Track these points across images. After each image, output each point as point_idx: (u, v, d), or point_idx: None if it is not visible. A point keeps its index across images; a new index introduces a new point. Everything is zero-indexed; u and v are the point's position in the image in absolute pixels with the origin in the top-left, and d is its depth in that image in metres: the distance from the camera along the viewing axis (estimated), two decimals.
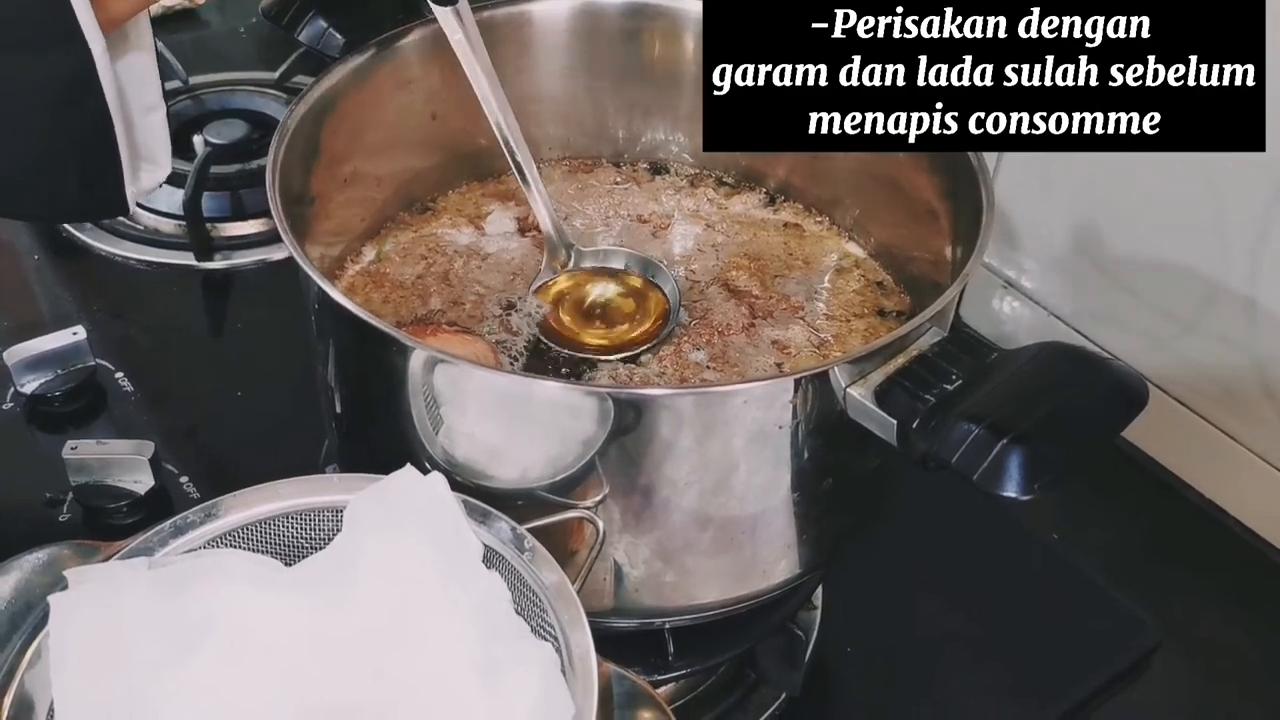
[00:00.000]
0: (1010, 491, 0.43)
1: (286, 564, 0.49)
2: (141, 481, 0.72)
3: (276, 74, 1.04)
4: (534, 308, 0.64)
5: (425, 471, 0.49)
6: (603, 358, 0.62)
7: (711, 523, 0.52)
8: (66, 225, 0.92)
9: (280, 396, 0.81)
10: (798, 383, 0.48)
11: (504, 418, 0.50)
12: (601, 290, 0.66)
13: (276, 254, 0.91)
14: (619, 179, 0.73)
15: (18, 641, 0.45)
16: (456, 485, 0.49)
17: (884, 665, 0.70)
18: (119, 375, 0.81)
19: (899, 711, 0.68)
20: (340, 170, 0.65)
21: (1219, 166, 0.70)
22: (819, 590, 0.71)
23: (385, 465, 0.49)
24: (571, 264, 0.66)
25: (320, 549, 0.50)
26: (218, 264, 0.91)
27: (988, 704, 0.68)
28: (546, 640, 0.46)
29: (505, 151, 0.64)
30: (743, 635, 0.61)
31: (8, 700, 0.43)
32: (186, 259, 0.91)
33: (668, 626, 0.58)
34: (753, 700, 0.66)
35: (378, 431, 0.56)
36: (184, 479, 0.75)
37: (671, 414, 0.48)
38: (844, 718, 0.68)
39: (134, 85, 0.54)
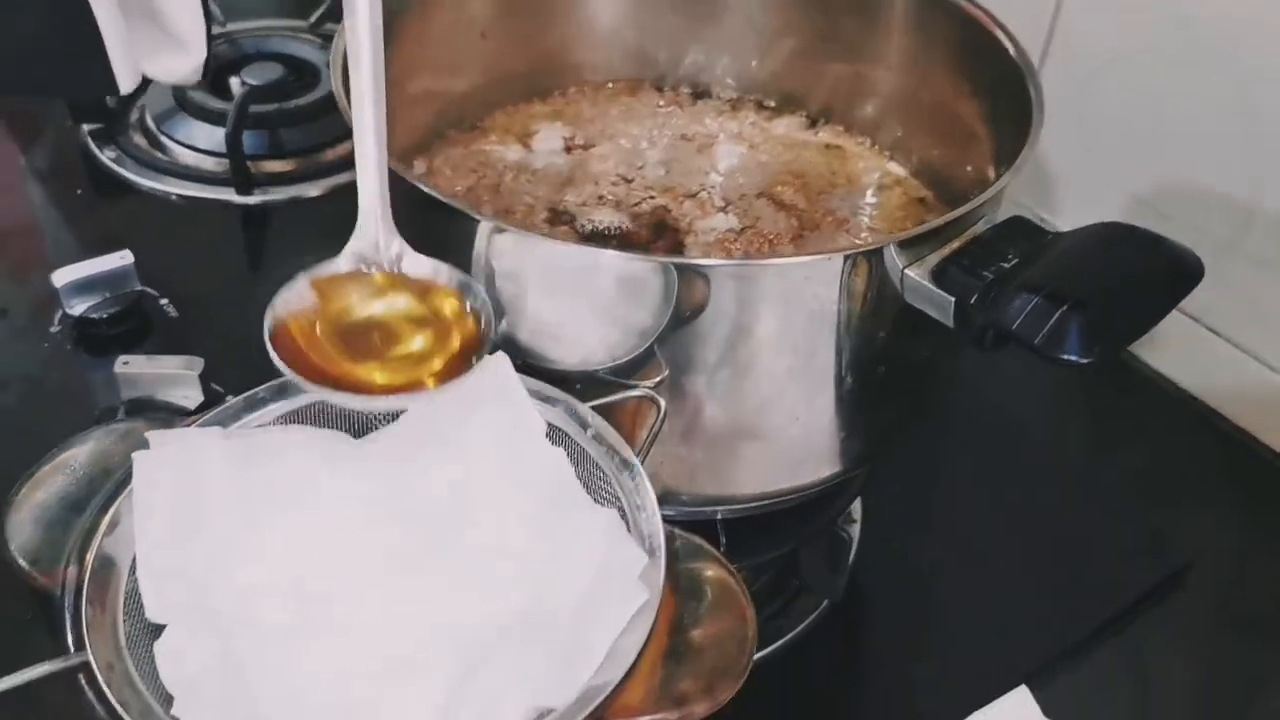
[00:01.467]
0: (1071, 355, 0.44)
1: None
2: (190, 397, 0.73)
3: (309, 21, 1.06)
4: (293, 298, 0.45)
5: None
6: (364, 396, 0.44)
7: (768, 406, 0.53)
8: (109, 162, 0.93)
9: None
10: (855, 259, 0.49)
11: (566, 291, 0.50)
12: (387, 305, 0.46)
13: (312, 190, 0.93)
14: (661, 102, 0.75)
15: (97, 503, 0.46)
16: (519, 368, 0.50)
17: (919, 579, 0.71)
18: (164, 301, 0.82)
19: (934, 623, 0.69)
20: (400, 90, 0.66)
21: (1255, 91, 0.71)
22: (858, 504, 0.72)
23: None
24: (385, 267, 0.47)
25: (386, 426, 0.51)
26: (256, 198, 0.92)
27: (1021, 619, 0.69)
28: (611, 507, 0.48)
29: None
30: (791, 533, 0.62)
31: (90, 556, 0.44)
32: (226, 194, 0.92)
33: (719, 517, 0.59)
34: (795, 607, 0.67)
35: None
36: (231, 398, 0.76)
37: (734, 285, 0.49)
38: (880, 628, 0.69)
39: None
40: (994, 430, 0.79)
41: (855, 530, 0.71)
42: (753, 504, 0.58)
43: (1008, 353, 0.84)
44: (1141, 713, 0.66)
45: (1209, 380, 0.82)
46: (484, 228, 0.49)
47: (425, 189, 0.50)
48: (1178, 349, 0.83)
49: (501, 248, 0.50)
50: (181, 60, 0.50)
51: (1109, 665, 0.68)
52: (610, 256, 0.49)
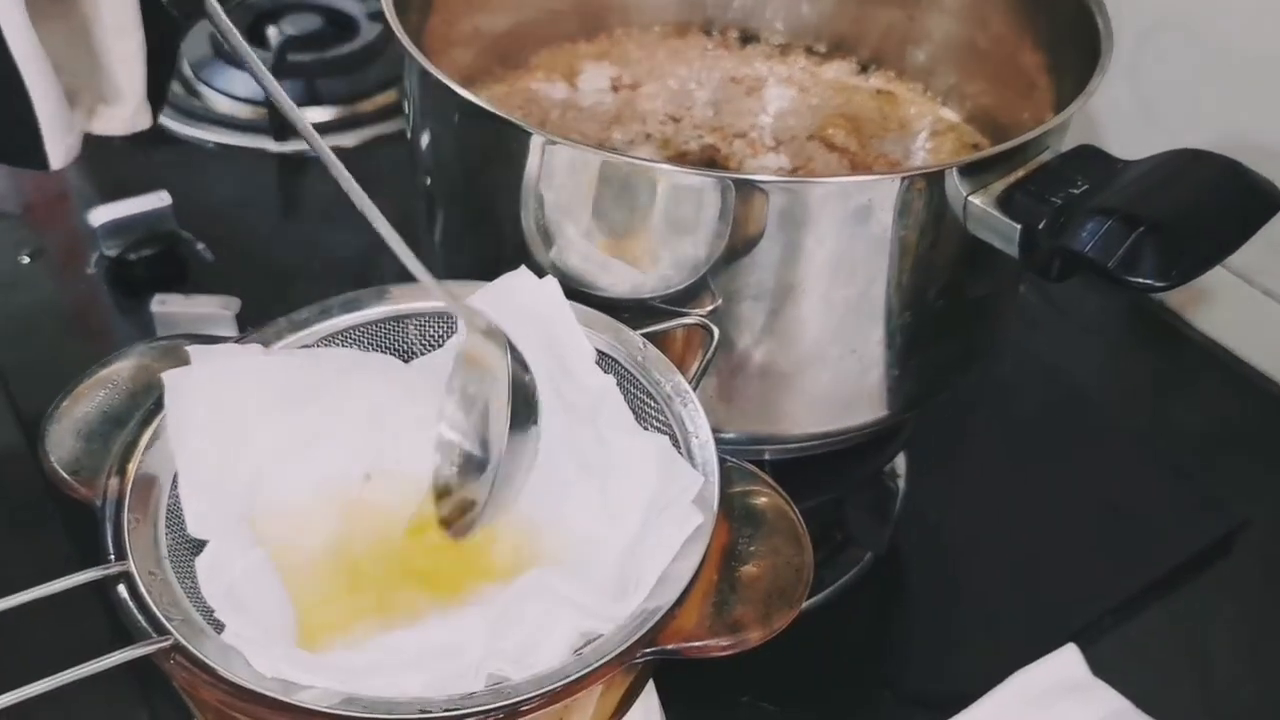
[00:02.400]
0: (1146, 278, 0.42)
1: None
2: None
3: None
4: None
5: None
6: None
7: (822, 338, 0.52)
8: None
9: (357, 270, 0.81)
10: (914, 179, 0.47)
11: (619, 211, 0.49)
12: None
13: (348, 140, 0.93)
14: (710, 45, 0.73)
15: (139, 417, 0.45)
16: (569, 295, 0.49)
17: (965, 536, 0.69)
18: (200, 246, 0.82)
19: (979, 581, 0.67)
20: (447, 30, 0.65)
21: None
22: (903, 461, 0.70)
23: None
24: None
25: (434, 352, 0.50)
26: (292, 147, 0.92)
27: (1068, 579, 0.67)
28: (663, 433, 0.46)
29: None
30: (838, 480, 0.61)
31: (131, 468, 0.43)
32: (262, 142, 0.92)
33: (767, 458, 0.57)
34: (838, 560, 0.66)
35: (487, 252, 0.56)
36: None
37: (791, 204, 0.47)
38: (924, 584, 0.68)
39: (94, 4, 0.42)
40: (1043, 391, 0.78)
41: (900, 485, 0.69)
42: (802, 444, 0.57)
43: (1057, 312, 0.83)
44: (1191, 673, 0.64)
45: (1261, 342, 0.80)
46: (536, 141, 0.48)
47: (478, 101, 0.48)
48: (1229, 311, 0.81)
49: (554, 164, 0.48)
50: (118, 110, 0.44)
51: (1158, 625, 0.66)
52: (666, 170, 0.48)
